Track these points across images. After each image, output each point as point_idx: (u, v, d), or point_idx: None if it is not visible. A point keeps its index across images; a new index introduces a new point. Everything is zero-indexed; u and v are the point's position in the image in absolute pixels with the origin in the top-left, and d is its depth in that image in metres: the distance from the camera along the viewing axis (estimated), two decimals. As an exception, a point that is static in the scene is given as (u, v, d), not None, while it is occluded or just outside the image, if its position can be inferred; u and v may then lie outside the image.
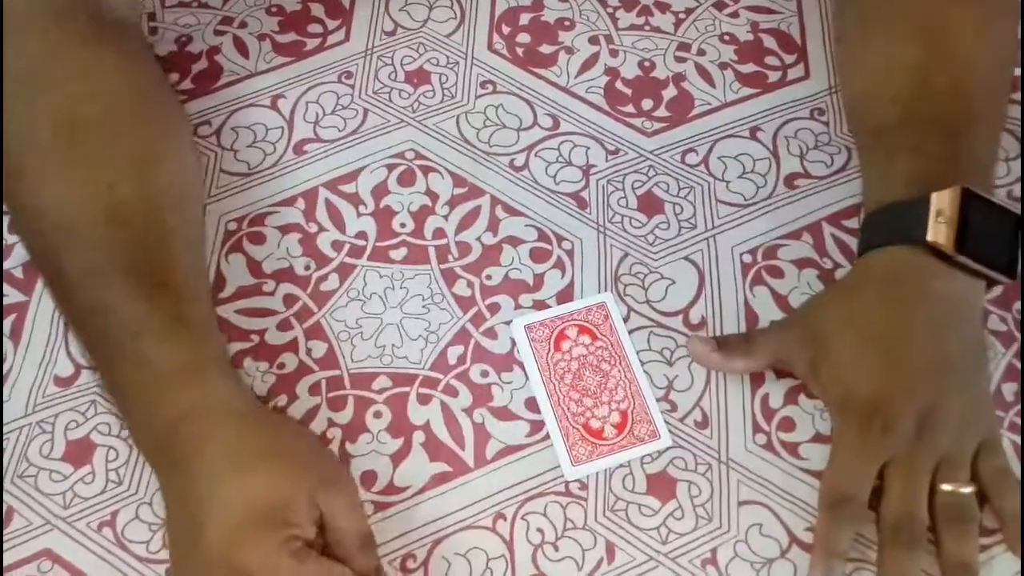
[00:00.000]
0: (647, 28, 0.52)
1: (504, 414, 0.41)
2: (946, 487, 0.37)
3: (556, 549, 0.39)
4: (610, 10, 0.52)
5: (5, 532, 0.39)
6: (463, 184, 0.47)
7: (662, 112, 0.49)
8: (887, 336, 0.38)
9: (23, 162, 0.39)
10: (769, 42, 0.51)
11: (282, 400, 0.42)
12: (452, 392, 0.42)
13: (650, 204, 0.46)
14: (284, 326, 0.43)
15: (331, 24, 0.52)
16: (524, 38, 0.51)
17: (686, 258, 0.45)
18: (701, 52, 0.51)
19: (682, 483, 0.40)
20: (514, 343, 0.43)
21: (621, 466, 0.40)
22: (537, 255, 0.45)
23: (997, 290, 0.43)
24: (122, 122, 0.41)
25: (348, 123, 0.49)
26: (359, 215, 0.46)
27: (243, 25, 0.52)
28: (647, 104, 0.49)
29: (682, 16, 0.52)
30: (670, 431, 0.41)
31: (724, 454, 0.40)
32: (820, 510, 0.38)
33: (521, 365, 0.42)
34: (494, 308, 0.44)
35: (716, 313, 0.44)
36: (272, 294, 0.44)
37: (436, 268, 0.45)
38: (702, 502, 0.39)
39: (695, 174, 0.47)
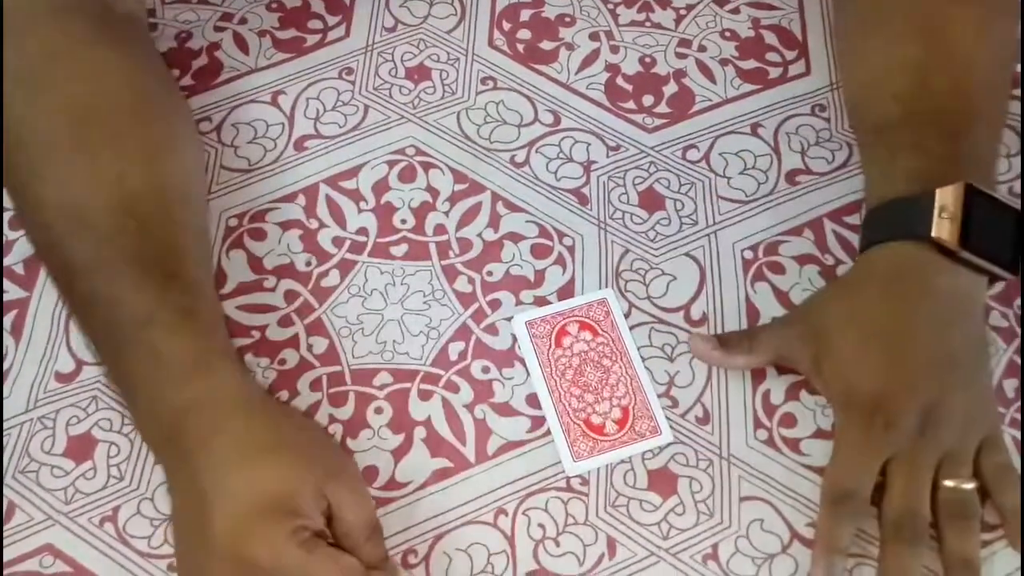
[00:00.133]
0: (648, 24, 0.52)
1: (505, 410, 0.41)
2: (948, 483, 0.37)
3: (557, 544, 0.39)
4: (611, 6, 0.52)
5: (6, 527, 0.39)
6: (464, 180, 0.47)
7: (663, 108, 0.49)
8: (890, 332, 0.38)
9: (28, 154, 0.39)
10: (770, 38, 0.51)
11: (283, 396, 0.42)
12: (453, 388, 0.42)
13: (651, 200, 0.46)
14: (285, 322, 0.43)
15: (331, 20, 0.52)
16: (525, 34, 0.51)
17: (687, 254, 0.45)
18: (702, 48, 0.51)
19: (683, 479, 0.40)
20: (515, 339, 0.43)
21: (622, 462, 0.40)
22: (538, 251, 0.45)
23: (999, 286, 0.43)
24: (125, 120, 0.41)
25: (349, 119, 0.49)
26: (360, 211, 0.46)
27: (243, 21, 0.52)
28: (648, 100, 0.49)
29: (683, 12, 0.52)
30: (671, 427, 0.41)
31: (725, 450, 0.40)
32: (822, 506, 0.38)
33: (522, 361, 0.42)
34: (495, 304, 0.44)
35: (717, 309, 0.44)
36: (273, 290, 0.44)
37: (437, 264, 0.45)
38: (703, 498, 0.39)
39: (696, 170, 0.47)
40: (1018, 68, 0.46)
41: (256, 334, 0.43)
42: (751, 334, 0.41)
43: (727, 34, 0.51)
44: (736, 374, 0.42)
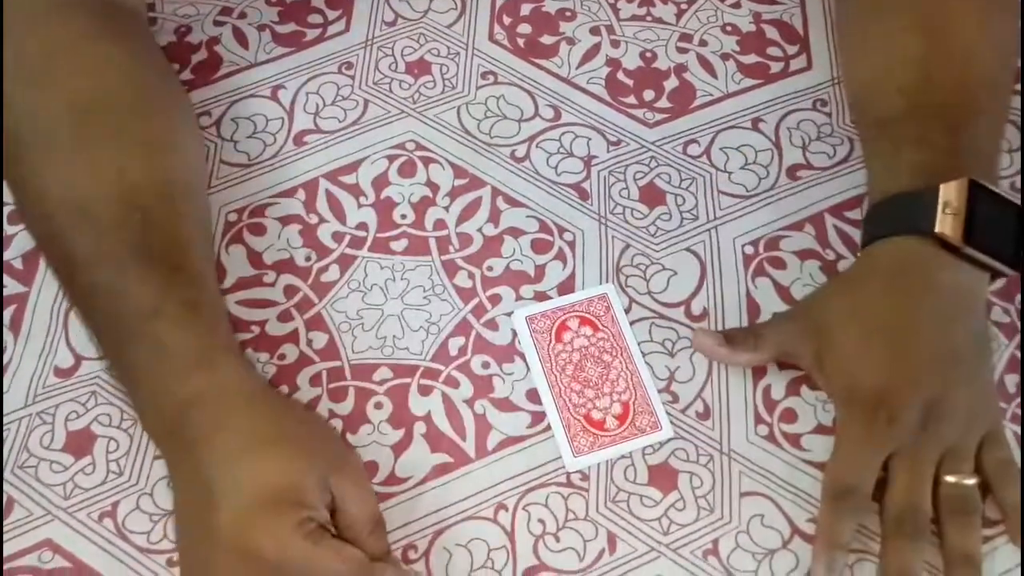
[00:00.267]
0: (649, 19, 0.52)
1: (505, 405, 0.41)
2: (950, 479, 0.37)
3: (557, 540, 0.38)
4: (611, 1, 0.52)
5: (6, 523, 0.39)
6: (464, 175, 0.47)
7: (664, 103, 0.49)
8: (892, 328, 0.38)
9: (29, 149, 0.39)
10: (771, 33, 0.51)
11: (283, 391, 0.41)
12: (453, 383, 0.42)
13: (652, 195, 0.46)
14: (285, 317, 0.43)
15: (331, 14, 0.52)
16: (525, 28, 0.51)
17: (688, 249, 0.45)
18: (703, 43, 0.51)
19: (684, 474, 0.40)
20: (515, 334, 0.43)
21: (622, 457, 0.40)
22: (538, 246, 0.45)
23: (1000, 281, 0.42)
24: (126, 115, 0.41)
25: (348, 114, 0.48)
26: (360, 206, 0.46)
27: (243, 15, 0.52)
28: (649, 95, 0.49)
29: (684, 6, 0.52)
30: (672, 422, 0.41)
31: (726, 445, 0.40)
32: (823, 501, 0.38)
33: (522, 356, 0.42)
34: (495, 299, 0.44)
35: (718, 304, 0.43)
36: (273, 285, 0.44)
37: (437, 259, 0.45)
38: (704, 493, 0.39)
39: (697, 165, 0.47)
40: (1019, 63, 0.46)
41: (256, 329, 0.43)
42: (755, 331, 0.41)
43: (728, 28, 0.51)
44: (736, 369, 0.42)
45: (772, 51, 0.50)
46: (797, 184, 0.46)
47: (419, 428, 0.41)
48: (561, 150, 0.47)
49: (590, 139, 0.48)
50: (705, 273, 0.44)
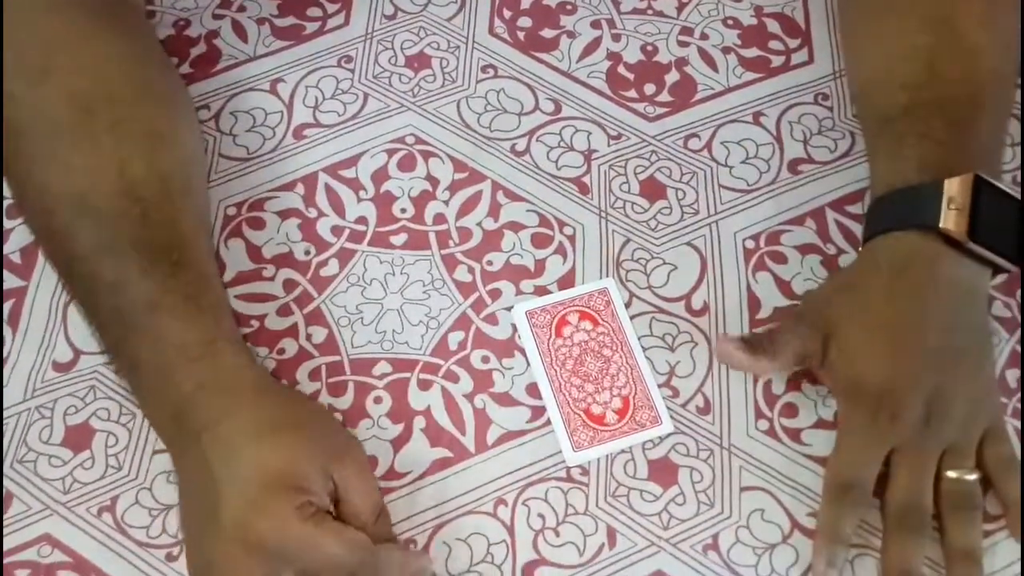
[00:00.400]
0: (649, 12, 0.51)
1: (505, 400, 0.41)
2: (952, 474, 0.37)
3: (557, 534, 0.38)
4: (612, -6, 0.52)
5: (5, 517, 0.39)
6: (464, 169, 0.47)
7: (665, 97, 0.49)
8: (896, 324, 0.38)
9: (30, 144, 0.39)
10: (773, 26, 0.51)
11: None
12: (453, 378, 0.42)
13: (652, 189, 0.46)
14: (284, 311, 0.43)
15: (331, 8, 0.51)
16: (525, 22, 0.51)
17: (688, 244, 0.45)
18: (704, 36, 0.50)
19: (684, 469, 0.40)
20: (515, 329, 0.43)
21: (622, 452, 0.40)
22: (538, 240, 0.45)
23: (1002, 276, 0.42)
24: (126, 110, 0.41)
25: (348, 108, 0.48)
26: (359, 200, 0.46)
27: (242, 9, 0.51)
28: (649, 89, 0.49)
29: (685, 0, 0.52)
30: (672, 417, 0.41)
31: (726, 440, 0.40)
32: (825, 496, 0.38)
33: (522, 351, 0.42)
34: (495, 294, 0.44)
35: (718, 299, 0.43)
36: (272, 279, 0.44)
37: (437, 254, 0.44)
38: (704, 488, 0.39)
39: (698, 159, 0.47)
40: (1020, 57, 0.46)
41: (255, 323, 0.43)
42: (770, 338, 0.40)
43: (729, 22, 0.51)
44: (737, 364, 0.42)
45: (773, 45, 0.50)
46: (798, 178, 0.46)
47: (419, 423, 0.41)
48: (561, 144, 0.47)
49: (590, 133, 0.47)
50: (706, 268, 0.44)
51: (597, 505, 0.39)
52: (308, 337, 0.43)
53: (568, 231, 0.45)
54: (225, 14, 0.51)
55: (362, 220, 0.45)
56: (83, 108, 0.39)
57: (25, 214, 0.42)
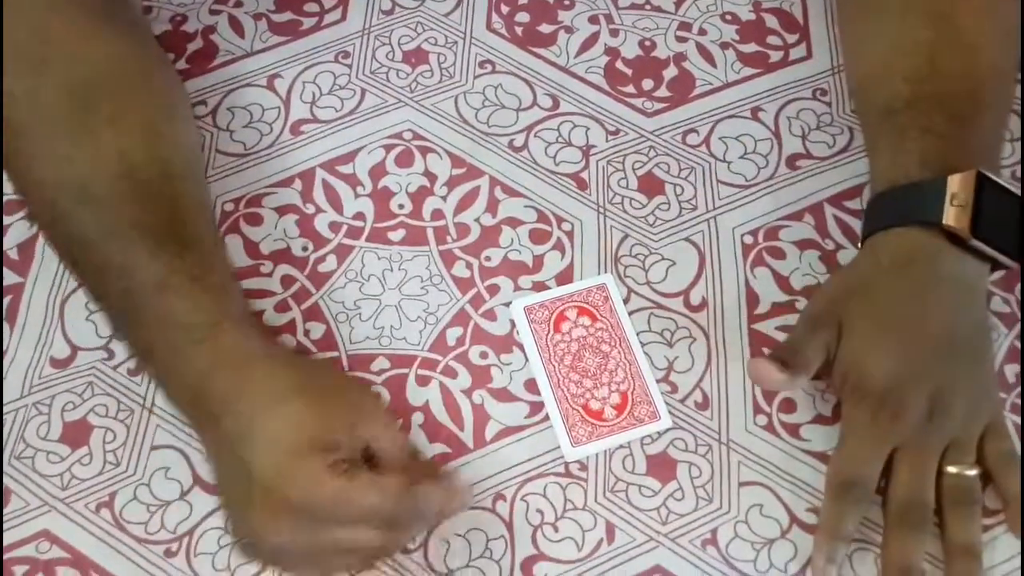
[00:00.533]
0: (648, 7, 0.51)
1: (503, 395, 0.41)
2: (952, 469, 0.37)
3: (556, 530, 0.38)
4: (610, -11, 0.52)
5: (3, 513, 0.39)
6: (462, 165, 0.46)
7: (663, 92, 0.48)
8: (900, 323, 0.38)
9: (29, 137, 0.39)
10: (771, 22, 0.51)
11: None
12: (451, 374, 0.42)
13: (651, 185, 0.46)
14: (282, 307, 0.43)
15: (328, 3, 0.51)
16: (523, 17, 0.51)
17: (687, 239, 0.45)
18: (702, 32, 0.50)
19: (682, 464, 0.40)
20: (513, 324, 0.43)
21: (621, 447, 0.40)
22: (536, 236, 0.45)
23: (1000, 272, 0.42)
24: (124, 100, 0.41)
25: (345, 103, 0.48)
26: (357, 196, 0.46)
27: (239, 4, 0.51)
28: (648, 84, 0.49)
29: (683, -5, 0.52)
30: (670, 412, 0.41)
31: (725, 435, 0.40)
32: (827, 494, 0.38)
33: (520, 347, 0.42)
34: (493, 289, 0.43)
35: (717, 294, 0.43)
36: (270, 275, 0.44)
37: (435, 249, 0.44)
38: (702, 483, 0.39)
39: (696, 155, 0.47)
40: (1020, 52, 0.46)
41: (253, 319, 0.43)
42: (793, 349, 0.39)
43: (728, 17, 0.51)
44: (735, 359, 0.42)
45: (772, 40, 0.50)
46: (797, 174, 0.46)
47: (417, 418, 0.41)
48: (559, 139, 0.47)
49: (588, 128, 0.47)
50: (704, 263, 0.44)
51: (596, 500, 0.39)
52: (306, 333, 0.42)
53: (566, 227, 0.45)
54: (222, 9, 0.51)
55: (360, 216, 0.45)
56: (82, 102, 0.40)
57: (30, 209, 0.42)
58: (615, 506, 0.39)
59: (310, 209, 0.45)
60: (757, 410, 0.41)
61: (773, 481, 0.39)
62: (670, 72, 0.49)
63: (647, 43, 0.50)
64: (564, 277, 0.44)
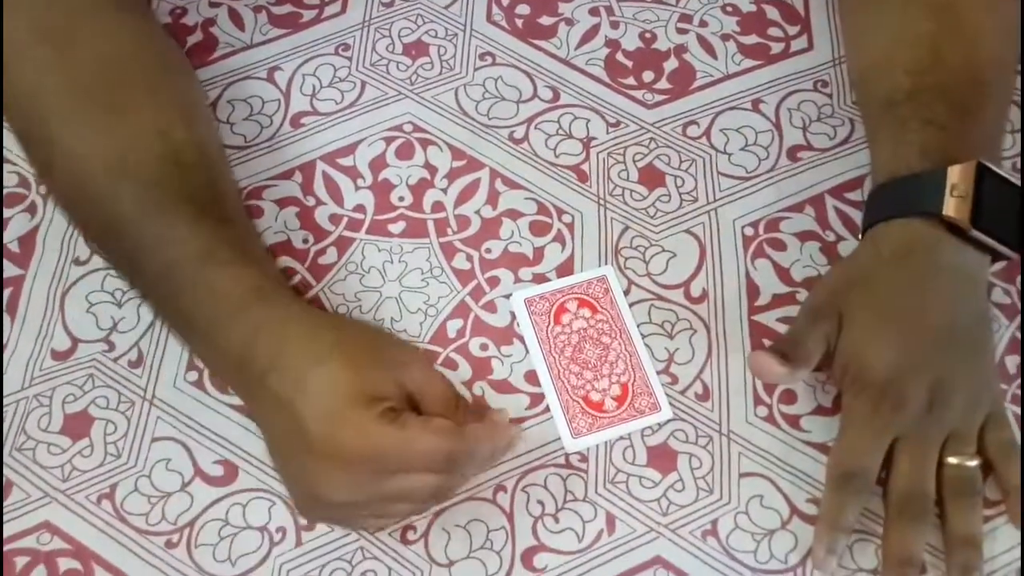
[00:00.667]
0: (648, -1, 0.51)
1: (504, 387, 0.41)
2: (953, 460, 0.37)
3: (556, 521, 0.38)
4: (611, -19, 0.52)
5: (4, 505, 0.39)
6: (462, 157, 0.46)
7: (663, 84, 0.48)
8: (901, 314, 0.38)
9: (58, 106, 0.39)
10: (772, 13, 0.51)
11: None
12: (452, 365, 0.42)
13: (651, 177, 0.46)
14: (282, 299, 0.43)
15: (328, -4, 0.51)
16: (523, 9, 0.51)
17: (687, 231, 0.45)
18: (703, 23, 0.50)
19: (683, 455, 0.40)
20: (514, 316, 0.43)
21: (621, 438, 0.40)
22: (537, 228, 0.45)
23: (1000, 263, 0.42)
24: (158, 78, 0.42)
25: (345, 96, 0.48)
26: (357, 188, 0.46)
27: (239, -3, 0.51)
28: (648, 76, 0.49)
29: (684, -13, 0.51)
30: (671, 403, 0.41)
31: (725, 426, 0.40)
32: (828, 485, 0.38)
33: (521, 338, 0.42)
34: (494, 281, 0.43)
35: (717, 286, 0.43)
36: (270, 267, 0.44)
37: (435, 242, 0.44)
38: (703, 474, 0.39)
39: (697, 146, 0.47)
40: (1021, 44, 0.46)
41: (253, 311, 0.43)
42: (794, 342, 0.39)
43: (728, 9, 0.51)
44: (735, 351, 0.42)
45: (773, 32, 0.50)
46: (797, 165, 0.46)
47: (417, 410, 0.41)
48: (560, 131, 0.47)
49: (589, 120, 0.47)
50: (704, 255, 0.44)
51: (596, 491, 0.39)
52: (306, 325, 0.42)
53: (567, 219, 0.45)
54: (222, 2, 0.51)
55: (360, 208, 0.45)
56: (116, 74, 0.40)
57: (52, 181, 0.41)
58: (616, 497, 0.39)
59: (310, 201, 0.45)
60: (757, 401, 0.41)
61: (773, 472, 0.39)
62: (671, 64, 0.49)
63: (648, 35, 0.50)
64: (564, 269, 0.44)
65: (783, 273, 0.43)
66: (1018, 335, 0.42)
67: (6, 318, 0.43)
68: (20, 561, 0.38)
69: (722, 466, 0.39)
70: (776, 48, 0.49)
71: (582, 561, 0.38)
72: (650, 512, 0.39)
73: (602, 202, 0.45)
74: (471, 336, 0.42)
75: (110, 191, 0.38)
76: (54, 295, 0.43)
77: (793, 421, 0.40)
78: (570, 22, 0.50)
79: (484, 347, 0.42)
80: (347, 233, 0.45)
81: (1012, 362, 0.41)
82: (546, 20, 0.50)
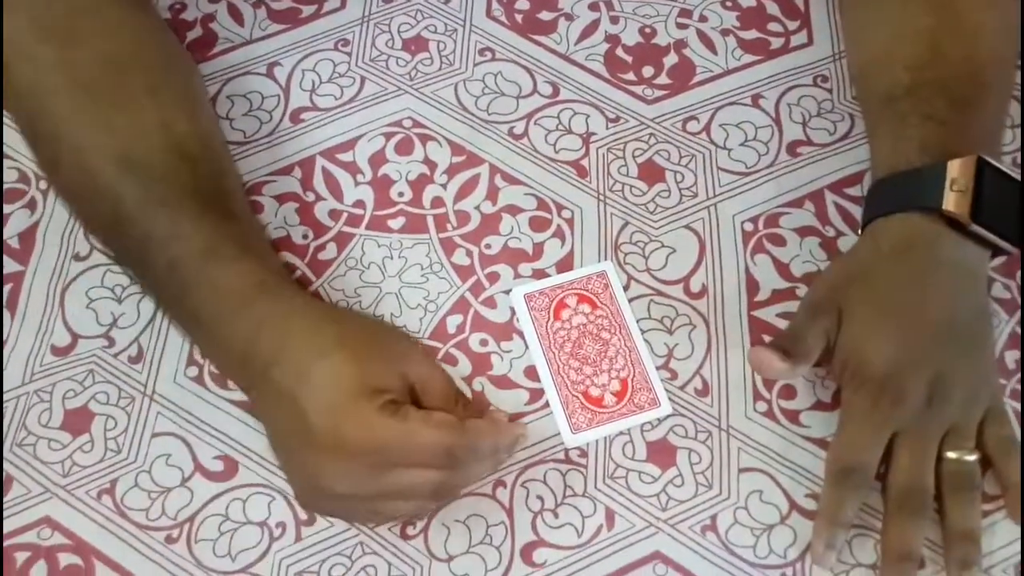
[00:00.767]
0: (648, -6, 0.51)
1: (504, 382, 0.41)
2: (952, 455, 0.37)
3: (556, 516, 0.39)
4: (611, -24, 0.51)
5: (5, 500, 0.39)
6: (461, 152, 0.46)
7: (663, 79, 0.48)
8: (901, 309, 0.38)
9: (62, 101, 0.39)
10: (772, 8, 0.51)
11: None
12: (451, 361, 0.42)
13: (651, 172, 0.46)
14: (282, 295, 0.43)
15: (327, -9, 0.51)
16: (523, 4, 0.51)
17: (687, 226, 0.45)
18: (703, 18, 0.50)
19: (682, 450, 0.40)
20: (513, 312, 0.43)
21: (621, 434, 0.40)
22: (536, 224, 0.45)
23: (1000, 258, 0.42)
24: (161, 73, 0.42)
25: (345, 91, 0.48)
26: (357, 184, 0.46)
27: (238, -8, 0.51)
28: (648, 71, 0.49)
29: (684, -18, 0.51)
30: (670, 399, 0.41)
31: (724, 422, 0.40)
32: (827, 480, 0.38)
33: (520, 334, 0.42)
34: (493, 277, 0.43)
35: (717, 281, 0.43)
36: (270, 263, 0.44)
37: (435, 237, 0.44)
38: (702, 469, 0.39)
39: (696, 142, 0.47)
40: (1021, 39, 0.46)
41: (253, 307, 0.43)
42: (794, 337, 0.39)
43: (728, 4, 0.51)
44: (735, 346, 0.42)
45: (772, 27, 0.50)
46: (797, 161, 0.46)
47: (417, 405, 0.41)
48: (559, 127, 0.47)
49: (589, 116, 0.47)
50: (704, 250, 0.44)
51: (595, 487, 0.39)
52: (306, 321, 0.42)
53: (566, 214, 0.45)
54: (221, -2, 0.51)
55: (360, 204, 0.45)
56: (119, 71, 0.40)
57: (59, 177, 0.42)
58: (615, 492, 0.39)
59: (310, 197, 0.45)
60: (757, 397, 0.41)
61: (773, 467, 0.39)
62: (670, 59, 0.49)
63: (647, 30, 0.50)
64: (564, 265, 0.44)
65: (783, 268, 0.43)
66: (1018, 330, 0.42)
67: (6, 314, 0.43)
68: (20, 556, 0.38)
69: (721, 461, 0.39)
70: (776, 43, 0.49)
71: (581, 556, 0.38)
72: (649, 507, 0.39)
73: (602, 198, 0.45)
74: (471, 332, 0.42)
75: (117, 186, 0.38)
76: (54, 291, 0.43)
77: (792, 416, 0.40)
78: (570, 17, 0.50)
79: (484, 343, 0.42)
80: (347, 229, 0.45)
81: (1012, 357, 0.41)
82: (546, 15, 0.50)
